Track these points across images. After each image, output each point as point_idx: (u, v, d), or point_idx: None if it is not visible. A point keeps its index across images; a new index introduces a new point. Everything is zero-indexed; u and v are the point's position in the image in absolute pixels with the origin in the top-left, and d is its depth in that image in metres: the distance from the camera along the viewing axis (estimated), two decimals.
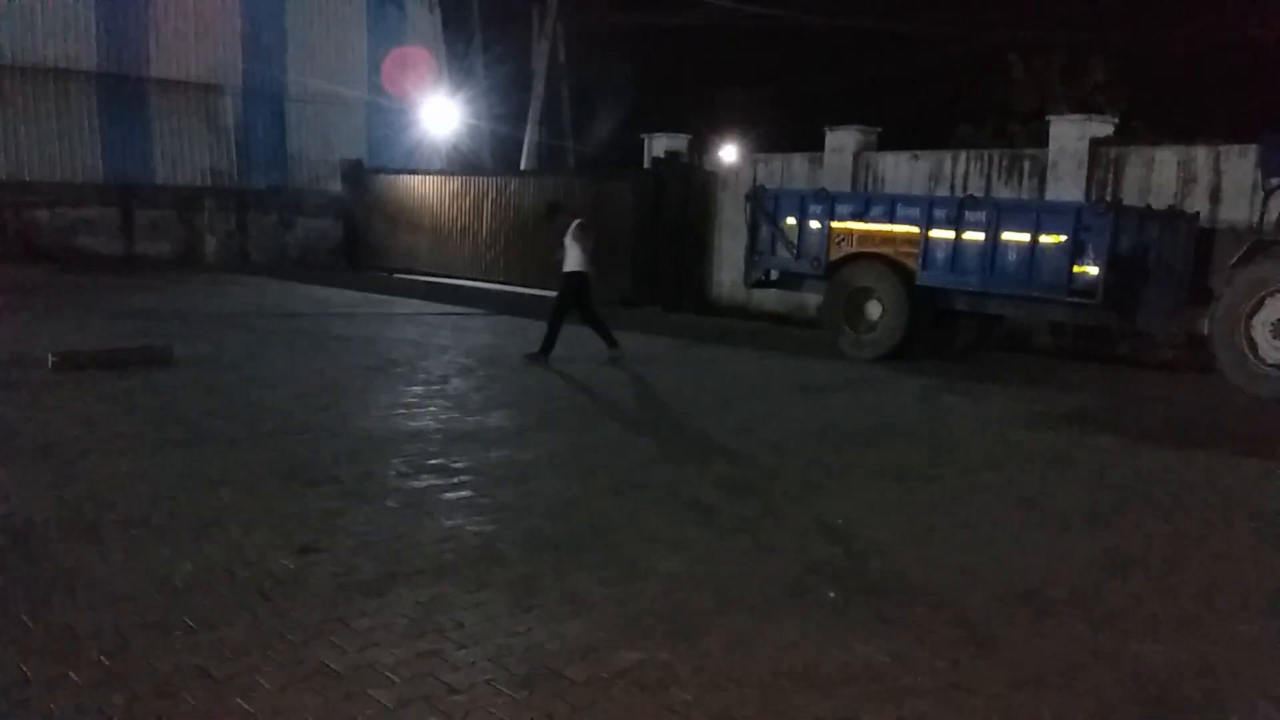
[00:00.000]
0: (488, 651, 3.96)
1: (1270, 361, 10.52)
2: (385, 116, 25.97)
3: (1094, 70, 24.82)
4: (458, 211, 21.76)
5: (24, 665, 3.69)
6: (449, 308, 16.66)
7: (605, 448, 7.61)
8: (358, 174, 24.33)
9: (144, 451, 6.69)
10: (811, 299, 14.54)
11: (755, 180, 16.01)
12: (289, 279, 20.16)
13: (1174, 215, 12.09)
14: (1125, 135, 15.05)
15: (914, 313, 12.20)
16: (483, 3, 30.60)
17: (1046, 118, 14.63)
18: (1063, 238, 11.03)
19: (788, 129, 25.51)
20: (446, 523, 5.51)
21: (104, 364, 9.47)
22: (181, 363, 9.95)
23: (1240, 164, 12.36)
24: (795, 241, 13.17)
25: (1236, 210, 12.36)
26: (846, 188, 15.43)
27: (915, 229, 12.09)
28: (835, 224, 12.77)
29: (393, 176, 23.72)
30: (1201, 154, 12.79)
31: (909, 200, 12.77)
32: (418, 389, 9.43)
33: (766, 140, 27.78)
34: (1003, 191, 14.29)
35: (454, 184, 22.13)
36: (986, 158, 14.91)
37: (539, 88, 28.89)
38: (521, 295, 18.56)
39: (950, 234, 11.82)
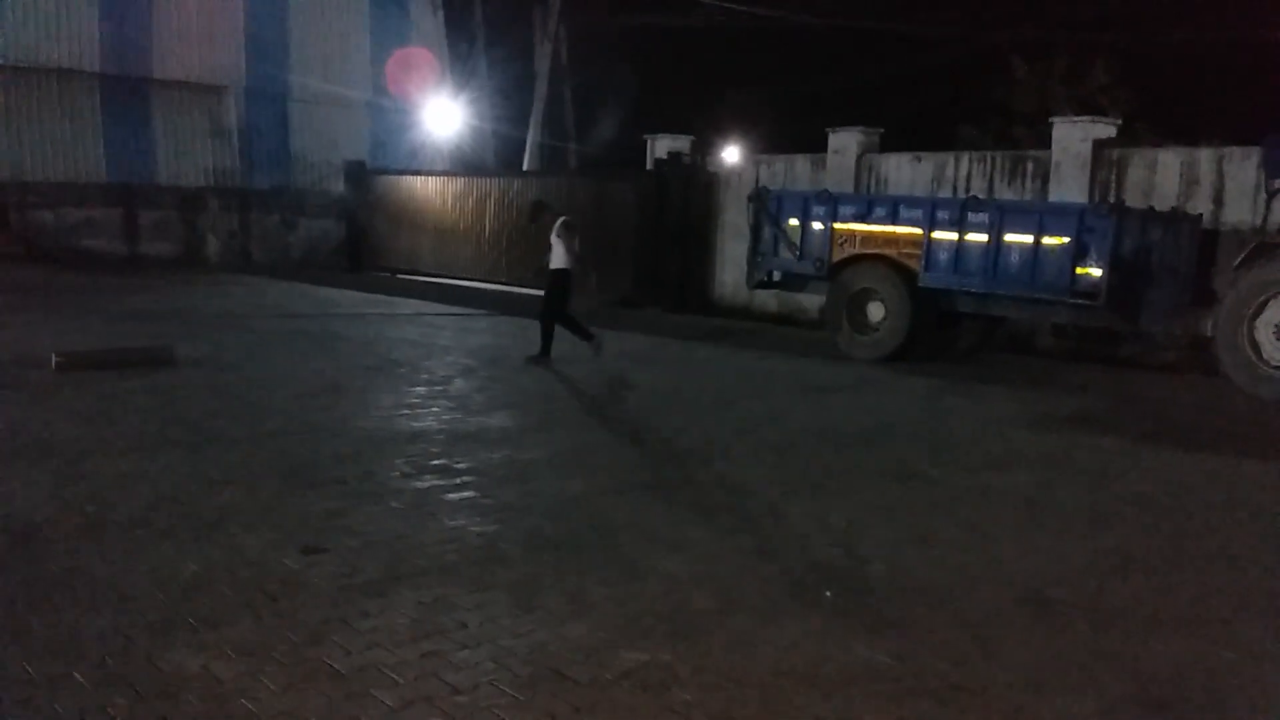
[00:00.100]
0: (490, 652, 3.96)
1: (1273, 363, 10.51)
2: (388, 117, 25.99)
3: (1097, 72, 24.82)
4: (460, 212, 21.77)
5: (27, 665, 3.69)
6: (451, 308, 16.67)
7: (607, 448, 7.62)
8: (360, 175, 24.34)
9: (146, 452, 6.70)
10: (814, 300, 14.53)
11: (758, 181, 16.03)
12: (291, 279, 20.18)
13: (1177, 217, 12.09)
14: (1128, 137, 15.05)
15: (916, 314, 12.20)
16: (486, 4, 30.64)
17: (1049, 119, 14.64)
18: (1066, 239, 11.03)
19: (790, 130, 25.50)
20: (449, 523, 5.52)
21: (106, 364, 9.48)
22: (184, 363, 9.97)
23: (1243, 166, 12.36)
24: (798, 243, 13.17)
25: (1240, 212, 12.36)
26: (849, 189, 15.44)
27: (918, 230, 12.09)
28: (838, 225, 12.77)
29: (395, 177, 23.74)
30: (1205, 156, 12.78)
31: (912, 202, 12.77)
32: (420, 389, 9.44)
33: (769, 141, 27.77)
34: (1005, 193, 14.30)
35: (456, 185, 22.14)
36: (989, 159, 14.92)
37: (541, 89, 28.92)
38: (524, 296, 18.54)
39: (953, 235, 11.82)
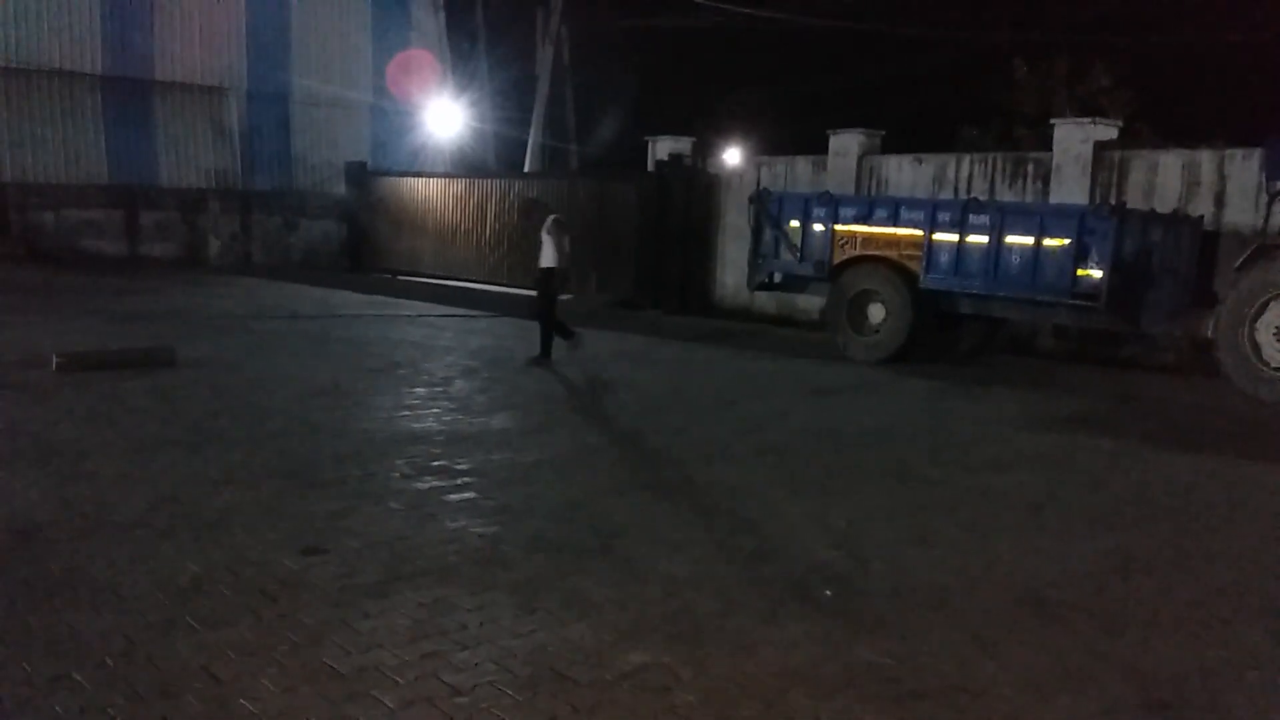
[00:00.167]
0: (491, 653, 3.96)
1: (1274, 365, 10.51)
2: (389, 119, 26.02)
3: (1098, 73, 24.81)
4: (461, 214, 21.79)
5: (28, 666, 3.69)
6: (452, 310, 16.67)
7: (608, 449, 7.62)
8: (361, 176, 24.37)
9: (147, 452, 6.70)
10: (815, 302, 14.53)
11: (759, 183, 16.03)
12: (292, 281, 20.17)
13: (1178, 219, 12.09)
14: (1129, 139, 15.06)
15: (917, 316, 12.20)
16: (487, 5, 30.66)
17: (1051, 121, 14.64)
18: (1067, 241, 11.03)
19: (791, 132, 25.49)
20: (450, 524, 5.52)
21: (108, 365, 9.48)
22: (185, 364, 9.96)
23: (1244, 168, 12.35)
24: (799, 244, 13.17)
25: (1240, 214, 12.36)
26: (850, 191, 15.44)
27: (919, 232, 12.10)
28: (839, 227, 12.77)
29: (397, 179, 23.76)
30: (1206, 158, 12.78)
31: (913, 203, 12.77)
32: (421, 391, 9.44)
33: (770, 143, 27.75)
34: (1006, 195, 14.30)
35: (458, 186, 22.16)
36: (990, 161, 14.92)
37: (543, 90, 28.92)
38: (525, 298, 18.53)
39: (954, 237, 11.82)
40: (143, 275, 19.38)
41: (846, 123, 16.39)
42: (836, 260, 12.82)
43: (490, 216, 21.07)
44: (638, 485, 6.55)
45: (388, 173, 24.34)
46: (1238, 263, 10.92)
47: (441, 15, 27.17)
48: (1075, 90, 24.89)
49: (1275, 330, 10.49)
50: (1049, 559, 5.39)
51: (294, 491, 5.97)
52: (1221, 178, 12.60)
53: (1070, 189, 13.62)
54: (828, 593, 4.72)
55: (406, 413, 8.40)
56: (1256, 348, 10.61)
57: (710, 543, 5.43)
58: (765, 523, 5.83)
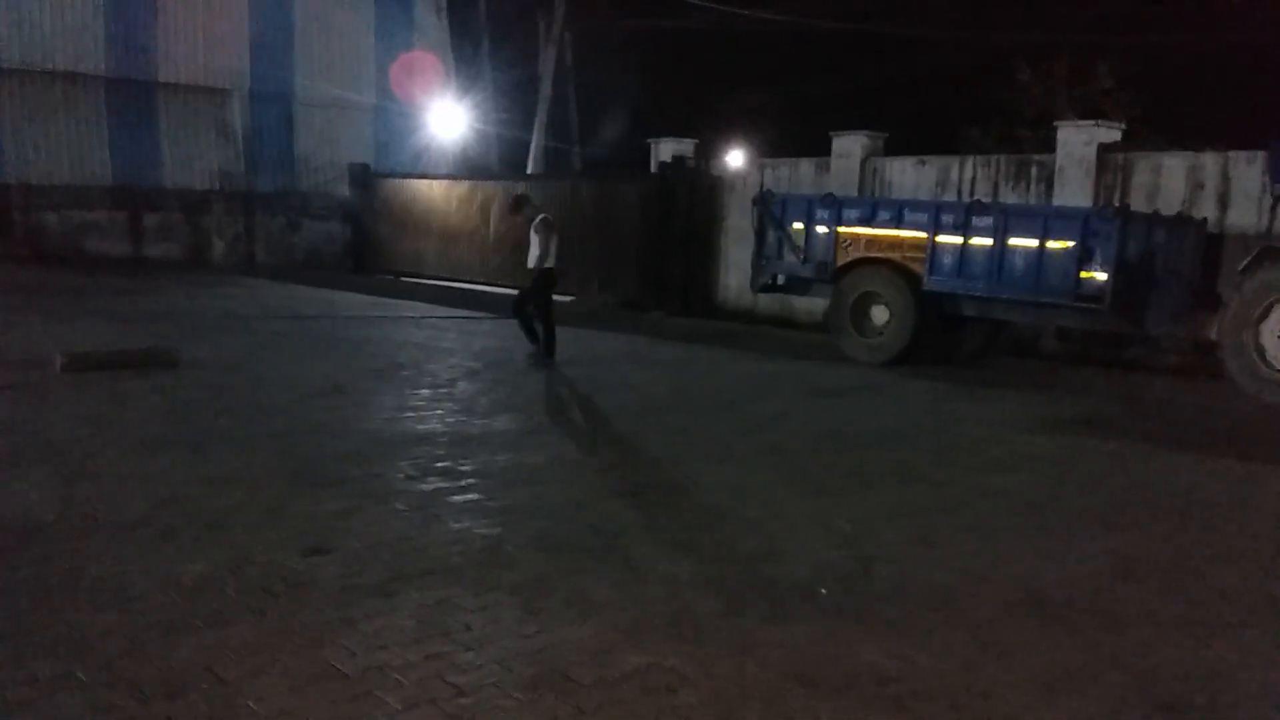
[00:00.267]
0: (495, 654, 3.96)
1: (1278, 367, 10.50)
2: (392, 120, 26.04)
3: (1102, 75, 24.80)
4: (464, 215, 21.80)
5: (32, 665, 3.69)
6: (455, 311, 16.68)
7: (612, 450, 7.62)
8: (365, 177, 24.39)
9: (151, 452, 6.71)
10: (818, 304, 14.53)
11: (762, 185, 16.02)
12: (296, 282, 20.20)
13: (1182, 221, 12.08)
14: (1133, 141, 15.05)
15: (921, 318, 12.19)
16: (490, 7, 30.68)
17: (1054, 123, 14.63)
18: (1070, 243, 11.02)
19: (794, 133, 25.49)
20: (454, 525, 5.52)
21: (111, 365, 9.49)
22: (188, 364, 9.97)
23: (1248, 170, 12.34)
24: (802, 246, 13.16)
25: (1244, 216, 12.34)
26: (853, 192, 15.43)
27: (922, 234, 12.09)
28: (842, 229, 12.76)
29: (400, 180, 23.78)
30: (1210, 160, 12.77)
31: (916, 205, 12.76)
32: (424, 392, 9.44)
33: (773, 145, 27.75)
34: (1010, 197, 14.29)
35: (461, 188, 22.18)
36: (994, 163, 14.92)
37: (546, 92, 28.95)
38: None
39: (957, 239, 11.81)
40: (146, 276, 19.41)
41: (849, 124, 16.38)
42: (840, 262, 12.81)
43: (493, 218, 21.07)
44: (641, 486, 6.55)
45: (391, 174, 24.36)
46: (1242, 265, 10.91)
47: (445, 17, 27.19)
48: (1077, 91, 24.88)
49: None
50: (1052, 560, 5.38)
51: (297, 492, 5.98)
52: (1225, 180, 12.58)
53: (1073, 191, 13.61)
54: (823, 590, 4.73)
55: (410, 414, 8.40)
56: (1261, 350, 10.60)
57: (713, 543, 5.43)
58: (768, 523, 5.82)
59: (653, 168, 18.94)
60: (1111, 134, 13.98)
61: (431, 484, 6.31)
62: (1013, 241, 11.42)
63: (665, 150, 18.74)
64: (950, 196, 14.74)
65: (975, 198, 13.83)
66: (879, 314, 12.54)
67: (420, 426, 7.92)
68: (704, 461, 7.29)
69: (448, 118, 26.82)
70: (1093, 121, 14.50)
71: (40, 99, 21.58)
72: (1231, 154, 12.65)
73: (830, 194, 13.64)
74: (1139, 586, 5.05)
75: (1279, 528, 6.30)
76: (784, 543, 5.49)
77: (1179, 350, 12.71)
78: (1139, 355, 13.10)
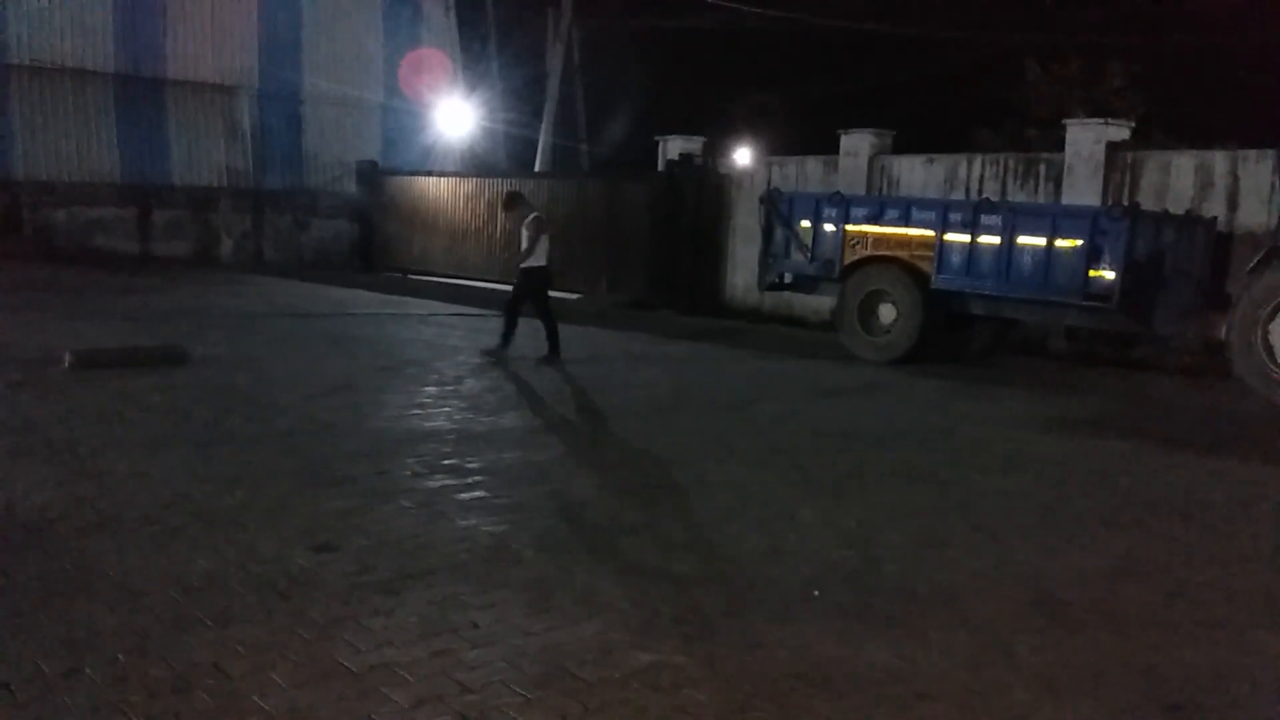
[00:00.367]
0: (502, 651, 3.96)
1: None
2: (400, 118, 26.04)
3: (1111, 74, 24.72)
4: (472, 213, 21.81)
5: (40, 661, 3.71)
6: (463, 309, 16.70)
7: (618, 448, 7.62)
8: (373, 175, 24.41)
9: (159, 450, 6.72)
10: (826, 302, 14.51)
11: (770, 183, 16.00)
12: (304, 279, 20.22)
13: (1191, 220, 12.04)
14: (1142, 140, 14.99)
15: (928, 316, 12.17)
16: (498, 5, 30.67)
17: (1063, 122, 14.59)
18: (1079, 242, 10.99)
19: (802, 132, 25.47)
20: (461, 523, 5.53)
21: (120, 363, 9.52)
22: (197, 362, 10.00)
23: (1257, 170, 12.30)
24: (810, 245, 13.15)
25: (1254, 216, 12.30)
26: (861, 191, 15.41)
27: (930, 232, 12.06)
28: (850, 227, 12.74)
29: (408, 178, 23.78)
30: (1219, 159, 12.72)
31: (924, 204, 12.74)
32: (432, 389, 9.45)
33: (781, 143, 27.72)
34: (1018, 195, 14.25)
35: (469, 186, 22.17)
36: (1002, 161, 14.88)
37: (554, 89, 28.93)
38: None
39: (965, 238, 11.79)
40: (154, 273, 19.45)
41: (857, 123, 16.35)
42: (847, 260, 12.79)
43: (501, 216, 21.05)
44: (648, 484, 6.55)
45: (399, 172, 24.37)
46: (1251, 264, 10.87)
47: (453, 14, 27.18)
48: (1088, 91, 24.79)
49: None
50: (1060, 560, 5.37)
51: (305, 489, 5.99)
52: (1234, 179, 12.54)
53: (1082, 190, 13.57)
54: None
55: (418, 411, 8.41)
56: (1270, 350, 10.55)
57: (721, 542, 5.43)
58: (775, 522, 5.82)
59: (660, 166, 18.92)
60: (1120, 132, 13.94)
61: (438, 481, 6.32)
62: (1021, 240, 11.40)
63: (673, 148, 18.72)
64: (958, 195, 14.70)
65: (984, 196, 13.80)
66: (886, 313, 12.52)
67: (427, 424, 7.93)
68: (710, 460, 7.29)
69: (455, 116, 26.82)
70: (1101, 120, 14.44)
71: (49, 96, 21.62)
72: (1241, 153, 12.60)
73: (838, 192, 13.61)
74: (1145, 587, 5.04)
75: None
76: (792, 542, 5.49)
77: (1187, 350, 12.66)
78: (1147, 355, 13.06)
